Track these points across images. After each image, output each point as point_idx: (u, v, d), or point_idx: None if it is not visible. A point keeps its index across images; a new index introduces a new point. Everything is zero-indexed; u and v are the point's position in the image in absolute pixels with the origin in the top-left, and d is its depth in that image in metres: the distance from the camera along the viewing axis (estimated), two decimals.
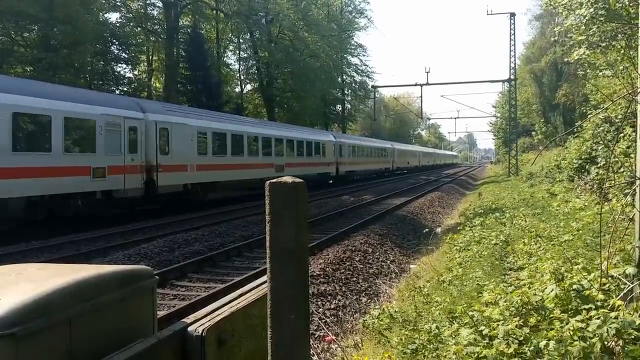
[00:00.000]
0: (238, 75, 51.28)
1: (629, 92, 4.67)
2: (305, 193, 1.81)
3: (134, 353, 1.75)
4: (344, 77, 63.57)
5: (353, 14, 63.58)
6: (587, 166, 15.37)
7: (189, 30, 40.24)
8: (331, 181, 38.42)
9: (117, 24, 34.76)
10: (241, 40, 49.63)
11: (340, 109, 64.26)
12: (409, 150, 69.94)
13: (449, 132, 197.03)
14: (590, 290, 4.25)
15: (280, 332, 1.78)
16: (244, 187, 24.92)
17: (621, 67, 10.22)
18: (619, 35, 10.42)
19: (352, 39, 63.45)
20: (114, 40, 33.39)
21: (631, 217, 4.81)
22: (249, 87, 52.91)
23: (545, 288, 4.56)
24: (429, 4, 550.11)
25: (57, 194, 14.33)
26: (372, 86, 57.06)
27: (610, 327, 3.31)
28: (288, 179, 1.79)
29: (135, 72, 40.02)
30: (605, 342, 3.33)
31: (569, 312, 4.09)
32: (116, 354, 1.73)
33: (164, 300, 8.17)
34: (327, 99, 56.44)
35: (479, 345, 3.86)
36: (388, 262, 11.74)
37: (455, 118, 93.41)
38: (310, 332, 6.67)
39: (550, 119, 46.20)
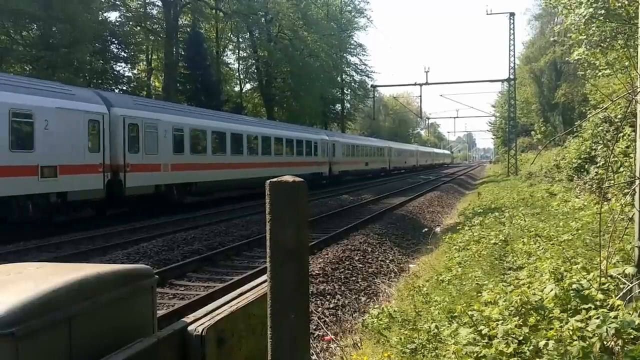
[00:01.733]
0: (237, 74, 51.30)
1: (629, 91, 4.67)
2: (305, 192, 1.81)
3: (134, 352, 1.75)
4: (344, 76, 63.60)
5: (352, 14, 63.63)
6: (586, 166, 15.39)
7: (188, 29, 40.27)
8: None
9: (117, 23, 34.77)
10: (240, 40, 49.63)
11: (339, 108, 64.25)
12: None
13: (448, 132, 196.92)
14: (589, 290, 4.26)
15: (280, 332, 1.78)
16: None
17: (620, 67, 10.23)
18: (618, 35, 10.44)
19: (352, 38, 63.56)
20: (113, 39, 33.42)
21: (630, 216, 4.81)
22: (248, 86, 52.97)
23: (545, 288, 4.56)
24: (428, 4, 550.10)
25: None
26: (372, 85, 57.01)
27: (609, 327, 3.31)
28: (289, 178, 1.79)
29: (135, 71, 40.06)
30: (605, 342, 3.33)
31: (569, 312, 4.09)
32: (116, 353, 1.73)
33: (164, 300, 8.17)
34: (327, 98, 56.41)
35: (478, 345, 3.86)
36: (387, 261, 11.74)
37: (454, 118, 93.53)
38: (310, 331, 6.68)
39: (550, 118, 46.31)
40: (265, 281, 2.04)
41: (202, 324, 1.98)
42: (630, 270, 4.28)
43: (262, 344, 1.92)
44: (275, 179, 1.78)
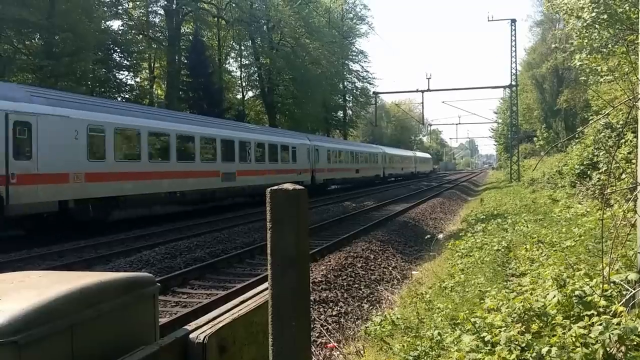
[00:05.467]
0: (239, 81, 51.47)
1: (630, 98, 4.68)
2: (305, 200, 1.82)
3: None
4: (345, 83, 63.76)
5: (354, 21, 63.85)
6: (588, 172, 15.36)
7: (190, 37, 40.40)
8: None
9: (119, 32, 34.92)
10: (242, 47, 49.84)
11: (341, 115, 64.36)
12: (400, 155, 63.73)
13: (450, 138, 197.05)
14: (592, 297, 4.24)
15: (281, 339, 1.78)
16: None
17: (621, 74, 10.23)
18: (620, 41, 10.45)
19: (353, 45, 63.73)
20: (116, 48, 33.53)
21: (633, 222, 4.80)
22: (250, 93, 53.20)
23: (547, 294, 4.55)
24: (429, 11, 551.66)
25: None
26: (373, 92, 56.98)
27: (612, 334, 3.30)
28: (289, 186, 1.80)
29: (137, 80, 40.20)
30: (608, 349, 3.33)
31: (571, 319, 4.08)
32: None
33: (166, 308, 8.16)
34: (329, 105, 56.54)
35: (481, 352, 3.86)
36: (390, 268, 11.72)
37: (456, 124, 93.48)
38: (312, 339, 6.67)
39: (552, 124, 46.20)
40: (266, 289, 2.05)
41: (203, 332, 1.99)
42: (632, 276, 4.26)
43: (264, 351, 1.92)
44: (275, 187, 1.79)
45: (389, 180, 55.53)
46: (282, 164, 28.67)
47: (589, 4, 10.70)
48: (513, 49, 41.60)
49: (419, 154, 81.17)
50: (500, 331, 3.97)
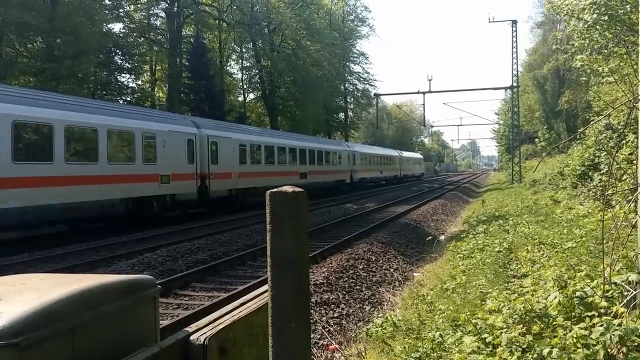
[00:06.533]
0: (241, 84, 51.53)
1: (630, 99, 4.68)
2: (305, 202, 1.82)
3: None
4: (346, 85, 63.79)
5: (355, 22, 63.98)
6: (590, 173, 15.36)
7: (191, 39, 40.45)
8: None
9: (120, 34, 34.97)
10: (244, 50, 49.90)
11: (342, 116, 64.37)
12: (377, 154, 51.97)
13: (452, 140, 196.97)
14: (593, 298, 4.24)
15: (281, 341, 1.79)
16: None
17: (621, 76, 10.23)
18: (621, 42, 10.45)
19: (354, 47, 63.84)
20: (117, 51, 33.60)
21: (633, 223, 4.80)
22: (251, 95, 53.27)
23: (549, 295, 4.55)
24: (430, 12, 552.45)
25: None
26: (375, 94, 56.96)
27: (613, 335, 3.30)
28: (288, 188, 1.80)
29: (139, 82, 40.27)
30: (609, 350, 3.33)
31: (572, 320, 4.08)
32: None
33: (168, 310, 8.17)
34: (330, 106, 56.57)
35: (482, 353, 3.86)
36: (391, 270, 11.72)
37: (458, 125, 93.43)
38: (314, 340, 6.67)
39: (553, 125, 46.14)
40: (266, 291, 2.05)
41: (204, 334, 1.99)
42: (633, 277, 4.26)
43: (264, 353, 1.93)
44: (275, 189, 1.79)
45: (362, 186, 45.19)
46: (115, 165, 16.52)
47: (590, 6, 10.70)
48: (514, 50, 41.63)
49: (406, 153, 69.04)
50: (501, 332, 3.97)
